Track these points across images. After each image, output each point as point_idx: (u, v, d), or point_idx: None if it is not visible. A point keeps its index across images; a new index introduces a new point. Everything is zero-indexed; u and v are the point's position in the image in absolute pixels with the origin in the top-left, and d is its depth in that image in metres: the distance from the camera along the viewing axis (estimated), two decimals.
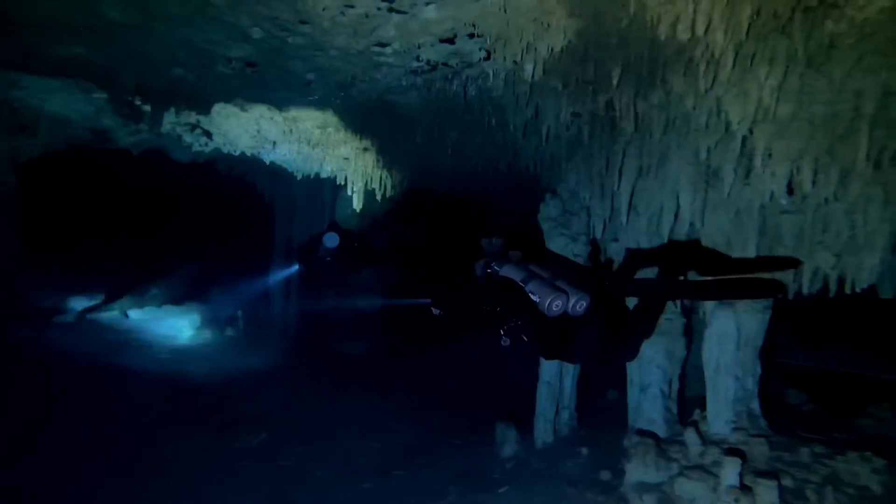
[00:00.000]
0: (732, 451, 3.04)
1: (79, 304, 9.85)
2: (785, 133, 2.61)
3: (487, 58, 3.95)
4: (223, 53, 4.39)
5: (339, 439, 5.97)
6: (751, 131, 2.71)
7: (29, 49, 4.59)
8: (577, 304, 2.64)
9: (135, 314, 10.06)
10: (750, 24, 2.35)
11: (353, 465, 5.37)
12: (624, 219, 3.74)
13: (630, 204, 3.69)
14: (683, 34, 2.45)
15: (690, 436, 3.37)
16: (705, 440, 3.34)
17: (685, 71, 2.76)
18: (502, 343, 2.67)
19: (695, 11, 2.34)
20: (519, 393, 6.36)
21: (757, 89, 2.55)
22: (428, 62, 4.18)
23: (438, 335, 7.99)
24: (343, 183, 7.38)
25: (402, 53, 4.05)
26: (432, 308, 3.03)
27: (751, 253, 3.14)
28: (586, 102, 3.57)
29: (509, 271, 2.79)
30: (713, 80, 2.68)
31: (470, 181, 7.02)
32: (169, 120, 5.99)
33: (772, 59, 2.44)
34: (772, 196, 2.87)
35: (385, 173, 6.95)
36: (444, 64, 4.22)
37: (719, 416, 3.36)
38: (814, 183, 2.63)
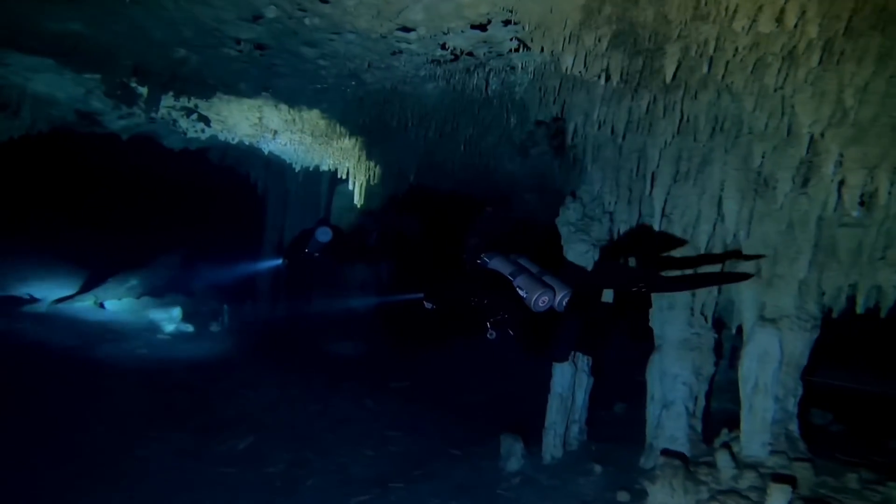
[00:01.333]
0: (779, 477, 2.86)
1: (51, 292, 9.32)
2: (863, 138, 2.44)
3: (517, 49, 3.75)
4: (232, 34, 4.12)
5: (331, 446, 5.65)
6: (822, 135, 2.55)
7: (19, 23, 4.23)
8: (564, 299, 2.66)
9: (111, 305, 9.57)
10: (850, 18, 2.18)
11: (346, 475, 5.07)
12: (656, 227, 3.56)
13: (663, 211, 3.51)
14: (765, 26, 2.27)
15: (722, 457, 3.18)
16: (739, 463, 3.16)
17: (753, 68, 2.58)
18: (488, 336, 2.71)
19: (787, 1, 2.16)
20: (520, 398, 6.14)
21: (837, 90, 2.38)
22: (452, 51, 3.95)
23: (436, 336, 7.74)
24: (344, 177, 7.12)
25: (426, 40, 3.81)
26: (424, 301, 3.05)
27: (802, 268, 2.98)
28: (625, 99, 3.39)
29: (498, 264, 2.80)
30: (785, 79, 2.51)
31: (479, 180, 6.81)
32: (165, 104, 5.64)
33: (861, 57, 2.27)
34: (836, 206, 2.72)
35: (390, 168, 6.70)
36: (469, 54, 4.00)
37: (755, 437, 3.18)
38: (889, 193, 2.48)
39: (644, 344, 4.90)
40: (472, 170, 6.31)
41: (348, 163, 6.88)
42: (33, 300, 8.92)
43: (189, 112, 6.12)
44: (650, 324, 3.99)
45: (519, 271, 2.71)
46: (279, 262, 9.25)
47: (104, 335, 8.39)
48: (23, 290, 9.13)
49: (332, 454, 5.45)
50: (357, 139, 6.16)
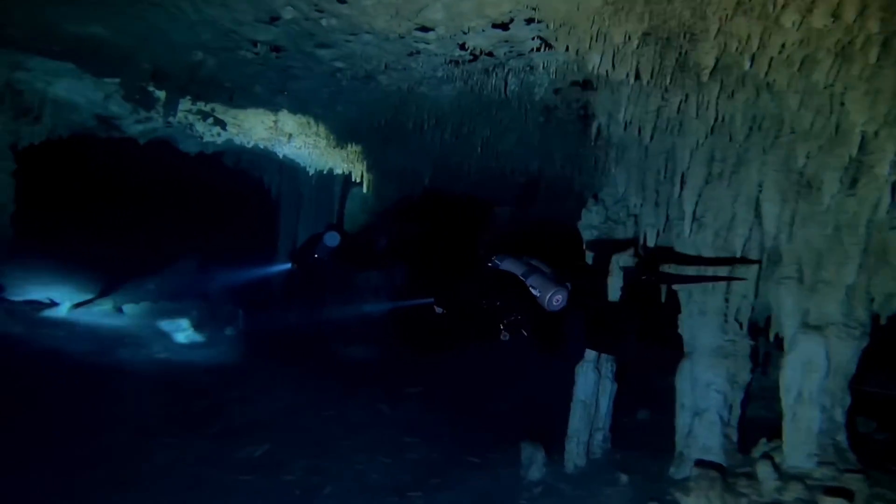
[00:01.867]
0: (832, 490, 2.69)
1: (70, 296, 9.40)
2: None
3: (539, 48, 3.64)
4: (249, 36, 4.09)
5: (347, 453, 5.58)
6: (876, 134, 2.42)
7: (42, 26, 4.25)
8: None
9: (129, 309, 9.61)
10: None
11: (364, 483, 4.99)
12: (686, 230, 3.43)
13: (694, 214, 3.38)
14: (820, 20, 2.14)
15: (764, 468, 3.03)
16: (782, 474, 3.01)
17: (801, 65, 2.44)
18: (501, 338, 2.69)
19: None
20: (539, 404, 6.01)
21: (894, 87, 2.24)
22: (472, 51, 3.86)
23: (450, 339, 7.64)
24: (357, 180, 7.07)
25: (445, 40, 3.73)
26: (435, 306, 3.04)
27: (850, 273, 2.82)
28: (654, 98, 3.27)
29: (510, 265, 2.79)
30: (836, 76, 2.38)
31: (494, 182, 6.70)
32: (183, 107, 5.64)
33: None
34: (889, 208, 2.57)
35: (404, 171, 6.64)
36: (489, 54, 3.91)
37: (799, 448, 3.01)
38: None
39: (658, 346, 4.75)
40: (487, 172, 6.21)
41: (362, 166, 6.83)
42: (53, 304, 8.98)
43: (206, 116, 6.12)
44: (679, 330, 3.85)
45: (531, 271, 2.70)
46: (288, 266, 9.22)
47: (123, 339, 8.41)
48: (42, 294, 9.20)
49: (349, 461, 5.38)
50: (371, 142, 6.11)
